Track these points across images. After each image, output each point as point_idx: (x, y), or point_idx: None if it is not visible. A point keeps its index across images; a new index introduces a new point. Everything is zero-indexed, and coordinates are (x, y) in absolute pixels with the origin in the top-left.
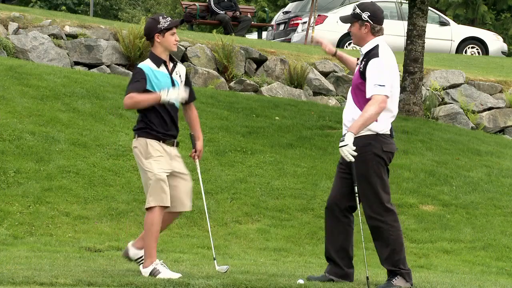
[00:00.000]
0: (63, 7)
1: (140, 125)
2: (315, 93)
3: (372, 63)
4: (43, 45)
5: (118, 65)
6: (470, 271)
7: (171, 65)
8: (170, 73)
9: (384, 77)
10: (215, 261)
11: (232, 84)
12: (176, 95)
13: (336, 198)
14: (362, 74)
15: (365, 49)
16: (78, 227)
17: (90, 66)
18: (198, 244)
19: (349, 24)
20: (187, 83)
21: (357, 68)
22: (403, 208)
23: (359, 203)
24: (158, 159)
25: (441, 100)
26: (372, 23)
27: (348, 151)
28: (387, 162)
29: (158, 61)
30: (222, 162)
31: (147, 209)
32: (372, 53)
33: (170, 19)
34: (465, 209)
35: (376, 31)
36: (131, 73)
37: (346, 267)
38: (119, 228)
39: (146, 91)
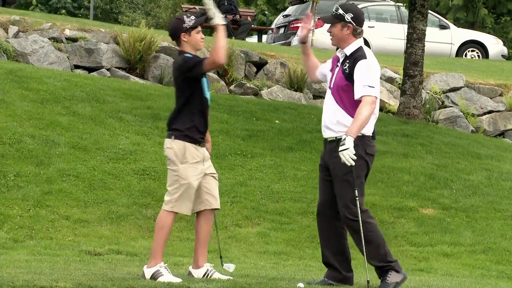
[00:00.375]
0: (63, 11)
1: (179, 126)
2: (315, 97)
3: (361, 64)
4: (43, 49)
5: (118, 68)
6: (470, 275)
7: None
8: None
9: (373, 79)
10: (221, 259)
11: (232, 87)
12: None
13: (325, 202)
14: (349, 75)
15: (348, 50)
16: (78, 231)
17: (90, 69)
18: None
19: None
20: None
21: (337, 69)
22: (403, 212)
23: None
24: (194, 166)
25: (441, 103)
26: (354, 24)
27: (349, 155)
28: (369, 165)
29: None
30: (222, 166)
31: (165, 210)
32: (358, 55)
33: (194, 18)
34: (465, 213)
35: (358, 33)
36: (131, 76)
37: (345, 271)
38: (119, 231)
39: (195, 85)
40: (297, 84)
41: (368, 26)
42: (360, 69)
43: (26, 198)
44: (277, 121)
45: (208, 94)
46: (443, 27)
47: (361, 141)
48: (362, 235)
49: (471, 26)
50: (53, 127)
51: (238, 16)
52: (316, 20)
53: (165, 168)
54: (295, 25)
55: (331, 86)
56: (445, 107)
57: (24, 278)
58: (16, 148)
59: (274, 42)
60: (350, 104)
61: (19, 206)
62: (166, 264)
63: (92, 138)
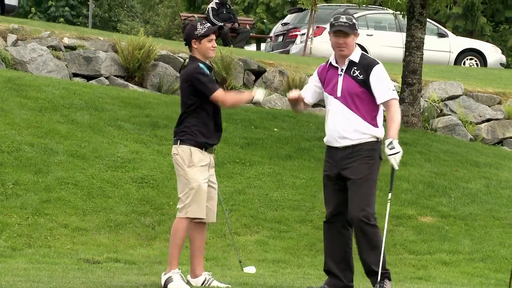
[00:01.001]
0: (61, 19)
1: (184, 131)
2: (314, 105)
3: (378, 69)
4: (41, 57)
5: (117, 76)
6: (469, 283)
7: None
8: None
9: (391, 82)
10: (241, 263)
11: None
12: (263, 95)
13: (337, 212)
14: (363, 81)
15: (355, 57)
16: (77, 239)
17: (88, 77)
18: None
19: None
20: None
21: (342, 77)
22: (401, 220)
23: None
24: (202, 169)
25: (439, 111)
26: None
27: (399, 158)
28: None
29: (208, 67)
30: (221, 174)
31: (179, 217)
32: (370, 60)
33: (208, 25)
34: (464, 221)
35: None
36: (129, 84)
37: (346, 280)
38: (117, 239)
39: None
40: None
41: (367, 34)
42: (379, 73)
43: (25, 206)
44: (275, 129)
45: None
46: (441, 35)
47: (377, 146)
48: (373, 240)
49: (469, 34)
50: (51, 135)
51: (236, 25)
52: (315, 28)
53: (164, 176)
54: (294, 33)
55: (339, 94)
56: (444, 115)
57: (22, 287)
58: (14, 156)
59: (272, 50)
60: (365, 110)
61: (17, 214)
62: (180, 271)
63: (91, 146)
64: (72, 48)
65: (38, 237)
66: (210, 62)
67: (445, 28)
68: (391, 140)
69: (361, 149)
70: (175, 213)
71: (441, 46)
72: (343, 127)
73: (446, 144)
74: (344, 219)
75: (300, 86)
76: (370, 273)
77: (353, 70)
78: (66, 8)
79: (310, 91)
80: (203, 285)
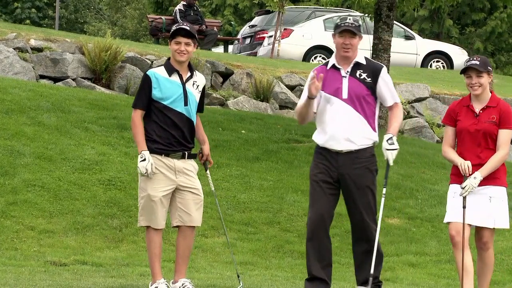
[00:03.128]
0: (28, 21)
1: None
2: (281, 107)
3: (385, 73)
4: (8, 59)
5: (84, 78)
6: (436, 284)
7: (187, 74)
8: (184, 83)
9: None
10: (239, 278)
11: None
12: (142, 166)
13: (327, 216)
14: (370, 84)
15: (360, 59)
16: (44, 241)
17: (55, 79)
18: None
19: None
20: (202, 95)
21: (347, 79)
22: None
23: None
24: (155, 177)
25: (406, 113)
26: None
27: (395, 155)
28: None
29: (170, 70)
30: None
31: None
32: (376, 63)
33: (179, 27)
34: (431, 222)
35: None
36: (96, 86)
37: (330, 282)
38: (84, 242)
39: (151, 99)
40: (263, 94)
41: None
42: (387, 77)
43: None
44: (243, 131)
45: (181, 106)
46: (408, 37)
47: (373, 150)
48: (374, 245)
49: (436, 37)
50: (18, 138)
51: (204, 27)
52: (283, 30)
53: (131, 178)
54: (261, 35)
55: (345, 96)
56: (411, 117)
57: None
58: None
59: (240, 52)
60: (370, 114)
61: None
62: (166, 280)
63: (58, 149)
64: (38, 50)
65: (4, 239)
66: (191, 65)
67: (412, 30)
68: (391, 136)
69: (363, 155)
70: None
71: (408, 49)
72: (352, 130)
73: (413, 146)
74: (328, 225)
75: (267, 89)
76: (374, 279)
77: (359, 72)
78: (33, 10)
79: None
80: None
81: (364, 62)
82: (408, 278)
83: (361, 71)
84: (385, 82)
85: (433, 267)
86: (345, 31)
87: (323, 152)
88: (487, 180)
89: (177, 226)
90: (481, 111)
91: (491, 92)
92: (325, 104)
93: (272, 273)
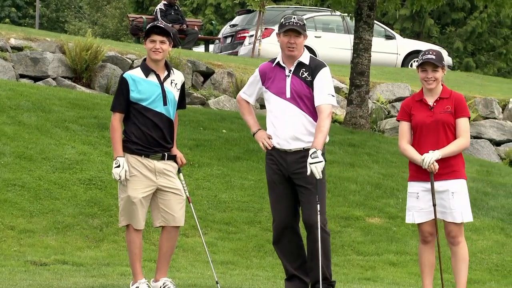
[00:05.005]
0: (7, 20)
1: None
2: (262, 106)
3: (324, 72)
4: None
5: (64, 77)
6: (416, 284)
7: (165, 74)
8: (162, 83)
9: (333, 88)
10: (218, 285)
11: None
12: (116, 173)
13: (292, 215)
14: (311, 82)
15: (304, 59)
16: (24, 241)
17: (36, 79)
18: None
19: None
20: (182, 92)
21: (290, 78)
22: (349, 221)
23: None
24: (134, 178)
25: (387, 113)
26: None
27: (321, 168)
28: None
29: (146, 70)
30: None
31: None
32: (319, 62)
33: (155, 25)
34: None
35: None
36: (77, 86)
37: (306, 278)
38: (65, 241)
39: (129, 101)
40: None
41: (315, 36)
42: (324, 76)
43: None
44: (224, 131)
45: (160, 106)
46: (389, 37)
47: (323, 149)
48: (327, 247)
49: (417, 36)
50: None
51: (185, 26)
52: (264, 30)
53: (112, 177)
54: (242, 35)
55: (288, 96)
56: (391, 116)
57: None
58: None
59: (221, 52)
60: (313, 111)
61: None
62: (146, 280)
63: (38, 148)
64: (18, 49)
65: None
66: (167, 64)
67: (393, 30)
68: (315, 150)
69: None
70: None
71: (389, 48)
72: (298, 128)
73: (394, 145)
74: (295, 223)
75: None
76: (324, 280)
77: (301, 71)
78: (12, 9)
79: (254, 94)
80: None
81: (307, 61)
82: (389, 277)
83: (304, 69)
84: (320, 80)
85: (413, 266)
86: (290, 30)
87: (272, 153)
88: (447, 174)
89: (161, 226)
90: (435, 103)
91: (442, 85)
92: (270, 104)
93: (253, 272)
